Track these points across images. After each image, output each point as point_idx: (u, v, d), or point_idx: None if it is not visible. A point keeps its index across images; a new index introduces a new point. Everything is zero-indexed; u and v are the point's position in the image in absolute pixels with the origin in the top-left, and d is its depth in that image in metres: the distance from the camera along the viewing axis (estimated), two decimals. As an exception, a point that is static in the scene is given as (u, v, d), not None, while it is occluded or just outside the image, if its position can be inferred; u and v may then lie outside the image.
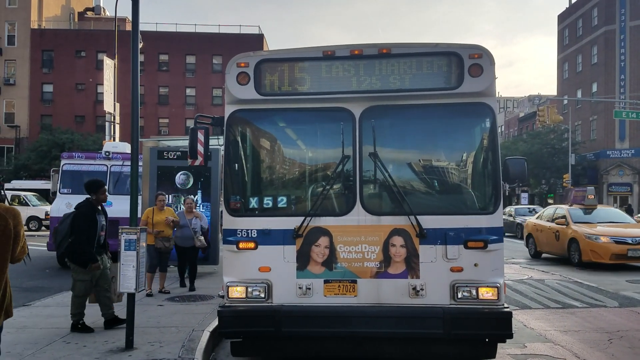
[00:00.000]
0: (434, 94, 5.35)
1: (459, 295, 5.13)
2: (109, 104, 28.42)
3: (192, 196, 10.80)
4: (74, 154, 14.98)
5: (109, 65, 27.59)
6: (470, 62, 5.24)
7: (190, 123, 52.77)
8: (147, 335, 6.39)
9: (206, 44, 52.72)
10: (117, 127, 29.80)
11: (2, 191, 19.75)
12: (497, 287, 5.13)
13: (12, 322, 7.33)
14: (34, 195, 28.00)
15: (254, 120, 5.75)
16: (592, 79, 49.38)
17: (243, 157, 5.78)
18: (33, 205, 26.97)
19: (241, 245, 5.35)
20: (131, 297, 5.95)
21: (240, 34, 54.22)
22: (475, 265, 5.15)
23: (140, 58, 43.05)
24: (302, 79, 5.54)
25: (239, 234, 5.37)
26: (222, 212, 6.68)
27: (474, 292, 5.13)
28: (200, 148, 5.74)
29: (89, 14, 60.42)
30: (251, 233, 5.35)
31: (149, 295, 8.94)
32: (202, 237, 9.83)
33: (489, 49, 5.31)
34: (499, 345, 5.79)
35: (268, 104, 5.54)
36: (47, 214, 26.54)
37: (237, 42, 52.98)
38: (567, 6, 55.73)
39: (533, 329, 7.58)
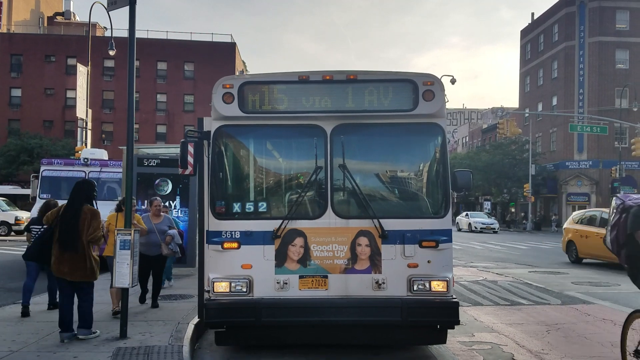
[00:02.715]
0: (393, 114, 6.21)
1: (415, 288, 5.97)
2: (81, 110, 28.68)
3: (159, 198, 9.37)
4: (53, 160, 15.45)
5: (82, 72, 27.87)
6: (424, 88, 6.13)
7: (160, 129, 52.89)
8: (137, 328, 7.05)
9: (178, 50, 53.00)
10: (89, 133, 30.07)
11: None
12: (446, 280, 6.00)
13: (10, 315, 7.92)
14: (3, 200, 27.89)
15: (237, 135, 6.50)
16: (552, 92, 51.51)
17: (227, 166, 6.50)
18: (2, 210, 26.86)
19: (225, 245, 6.07)
20: (125, 291, 6.62)
21: (213, 41, 54.67)
22: (429, 262, 6.01)
23: (111, 64, 43.21)
24: (280, 99, 6.33)
25: (223, 235, 6.09)
26: (198, 216, 7.14)
27: (427, 285, 5.98)
28: (190, 159, 6.49)
29: (59, 18, 59.99)
30: (235, 234, 6.09)
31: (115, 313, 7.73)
32: (174, 244, 8.72)
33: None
34: (451, 333, 6.68)
35: (250, 121, 6.29)
36: (17, 219, 26.49)
37: (209, 50, 53.46)
38: (530, 22, 58.03)
39: (482, 322, 8.51)
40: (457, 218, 46.34)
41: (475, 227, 41.78)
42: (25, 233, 8.76)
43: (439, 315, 6.01)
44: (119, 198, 8.99)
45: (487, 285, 12.37)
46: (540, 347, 7.02)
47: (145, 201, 12.87)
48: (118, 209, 8.14)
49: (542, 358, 6.55)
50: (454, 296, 6.08)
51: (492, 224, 42.40)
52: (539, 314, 9.18)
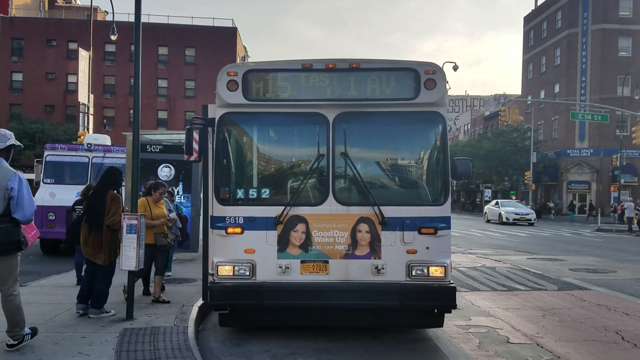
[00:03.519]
0: (395, 103, 6.32)
1: (413, 273, 6.13)
2: (84, 95, 28.73)
3: (165, 184, 8.76)
4: (57, 145, 15.53)
5: (83, 57, 27.86)
6: (425, 77, 6.23)
7: (162, 115, 52.89)
8: (143, 310, 7.23)
9: (179, 35, 52.82)
10: (91, 118, 30.15)
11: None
12: (444, 266, 6.16)
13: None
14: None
15: (241, 122, 6.62)
16: (555, 80, 51.41)
17: (231, 153, 6.61)
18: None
19: (229, 230, 6.22)
20: (131, 274, 6.79)
21: (214, 26, 54.45)
22: (427, 248, 6.16)
23: (112, 48, 43.19)
24: (284, 87, 6.44)
25: (227, 220, 6.24)
26: (202, 202, 7.28)
27: (425, 270, 6.14)
28: (195, 145, 6.62)
29: (60, 2, 59.76)
30: (238, 220, 6.24)
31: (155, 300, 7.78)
32: (175, 227, 8.54)
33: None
34: (448, 317, 6.86)
35: (254, 108, 6.41)
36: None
37: (210, 35, 53.27)
38: (533, 8, 57.73)
39: (479, 306, 8.70)
40: (485, 207, 41.49)
41: (507, 218, 35.22)
42: (72, 212, 9.44)
43: (437, 300, 6.17)
44: (148, 183, 8.55)
45: (485, 271, 12.56)
46: (536, 331, 7.21)
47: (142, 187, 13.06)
48: (146, 193, 7.97)
49: (537, 341, 6.73)
50: (452, 281, 6.24)
51: (527, 214, 35.64)
52: (535, 300, 9.36)
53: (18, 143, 5.46)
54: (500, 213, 36.30)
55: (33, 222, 5.53)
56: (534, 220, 35.65)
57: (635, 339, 6.86)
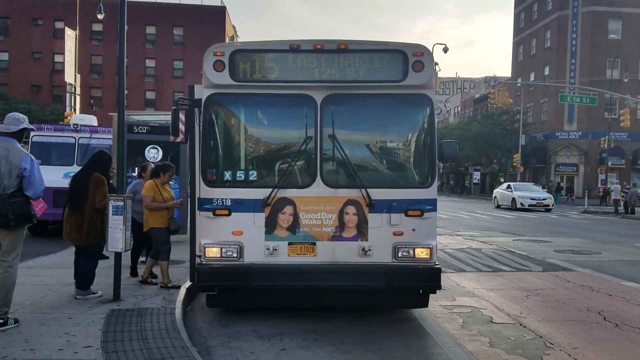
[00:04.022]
0: (383, 85, 6.31)
1: (399, 255, 6.19)
2: (70, 75, 28.41)
3: (152, 164, 8.74)
4: (43, 126, 15.34)
5: (70, 36, 27.52)
6: (413, 59, 6.21)
7: (149, 95, 52.43)
8: (130, 291, 7.25)
9: (167, 14, 52.15)
10: (78, 98, 29.84)
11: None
12: (430, 247, 6.21)
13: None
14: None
15: (228, 103, 6.57)
16: (544, 62, 51.47)
17: (218, 135, 6.59)
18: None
19: (217, 212, 6.22)
20: (118, 255, 6.78)
21: (202, 5, 53.77)
22: (413, 230, 6.21)
23: (99, 27, 42.59)
24: (271, 68, 6.38)
25: (215, 202, 6.24)
26: (189, 184, 7.24)
27: (411, 252, 6.20)
28: (182, 126, 6.58)
29: (45, -21, 58.47)
30: (226, 202, 6.24)
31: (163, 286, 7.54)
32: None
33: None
34: (433, 298, 6.97)
35: (241, 89, 6.36)
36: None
37: (199, 14, 52.63)
38: (524, -10, 57.49)
39: (464, 287, 8.82)
40: (495, 191, 37.40)
41: (522, 204, 31.41)
42: None
43: (422, 281, 6.24)
44: (153, 165, 8.36)
45: (471, 252, 12.70)
46: (519, 311, 7.32)
47: (135, 168, 13.01)
48: (154, 175, 7.77)
49: (520, 321, 6.84)
50: (437, 262, 6.31)
51: (544, 199, 31.85)
52: (519, 280, 9.50)
53: (31, 126, 5.89)
54: (513, 198, 32.49)
55: (50, 198, 5.99)
56: (552, 205, 32.06)
57: (616, 319, 6.99)
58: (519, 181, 49.06)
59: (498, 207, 34.10)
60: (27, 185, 5.51)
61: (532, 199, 31.60)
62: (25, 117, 5.84)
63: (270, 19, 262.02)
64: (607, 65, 44.95)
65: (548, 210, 30.95)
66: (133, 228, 7.81)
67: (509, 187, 34.79)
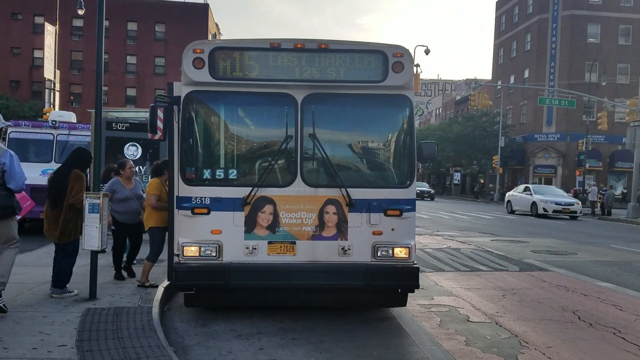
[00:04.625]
0: (363, 85, 6.33)
1: (379, 254, 6.22)
2: (49, 70, 28.02)
3: (130, 161, 8.71)
4: (20, 122, 15.09)
5: (50, 32, 27.13)
6: (393, 60, 6.25)
7: (130, 92, 51.87)
8: (107, 290, 7.18)
9: (149, 11, 51.62)
10: (57, 94, 29.40)
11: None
12: (409, 247, 6.26)
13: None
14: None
15: (207, 101, 6.52)
16: (524, 65, 52.03)
17: (197, 132, 6.52)
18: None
19: (195, 210, 6.17)
20: (94, 254, 6.71)
21: (185, 2, 53.35)
22: (392, 229, 6.24)
23: (79, 23, 42.14)
24: (252, 66, 6.36)
25: (193, 200, 6.19)
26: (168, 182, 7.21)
27: (390, 251, 6.24)
28: (160, 124, 6.53)
29: (24, -27, 57.47)
30: (205, 200, 6.20)
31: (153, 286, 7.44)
32: None
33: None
34: (412, 297, 7.02)
35: (221, 87, 6.32)
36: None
37: (181, 11, 52.20)
38: (506, -8, 58.10)
39: (442, 286, 8.90)
40: (508, 195, 32.35)
41: (546, 209, 27.06)
42: None
43: (401, 280, 6.29)
44: (157, 161, 8.25)
45: (450, 252, 12.82)
46: (495, 310, 7.42)
47: (115, 165, 12.87)
48: (157, 173, 7.67)
49: (496, 320, 6.93)
50: (415, 262, 6.35)
51: (571, 205, 27.40)
52: (496, 280, 9.62)
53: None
54: (534, 202, 27.96)
55: (27, 195, 6.55)
56: (580, 212, 27.74)
57: (590, 318, 7.11)
58: (498, 182, 49.83)
59: (512, 212, 29.80)
60: (8, 178, 5.92)
61: (557, 204, 27.26)
62: (0, 115, 6.21)
63: (254, 17, 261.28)
64: (585, 69, 45.65)
65: (574, 218, 27.21)
66: (116, 229, 7.93)
67: (527, 189, 30.22)
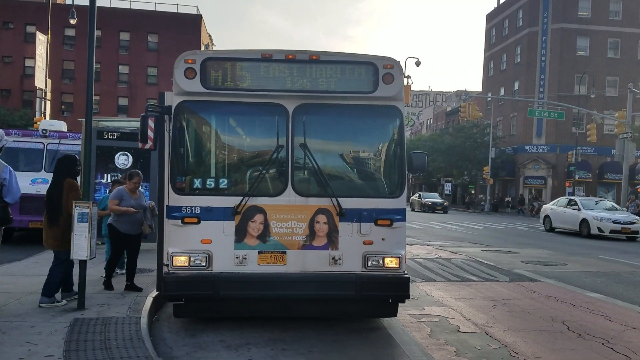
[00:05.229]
0: (354, 96, 6.37)
1: (369, 264, 6.22)
2: (41, 79, 27.93)
3: (140, 173, 8.40)
4: (10, 131, 14.98)
5: (41, 41, 27.08)
6: (384, 71, 6.30)
7: (122, 101, 51.72)
8: (95, 300, 7.12)
9: (141, 21, 51.65)
10: (49, 103, 29.29)
11: None
12: (399, 257, 6.27)
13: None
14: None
15: (199, 111, 6.53)
16: (514, 77, 52.55)
17: (188, 142, 6.52)
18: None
19: (185, 220, 6.13)
20: (83, 263, 6.66)
21: (178, 13, 53.45)
22: (383, 239, 6.25)
23: (72, 32, 42.18)
24: (243, 76, 6.39)
25: (183, 210, 6.17)
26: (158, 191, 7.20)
27: (380, 261, 6.24)
28: (150, 133, 6.53)
29: (16, -18, 57.39)
30: (195, 210, 6.18)
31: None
32: (150, 217, 8.28)
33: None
34: (402, 307, 7.00)
35: (212, 97, 6.34)
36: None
37: (174, 21, 52.27)
38: (496, 6, 58.76)
39: (433, 296, 8.90)
40: (545, 207, 26.76)
41: (601, 229, 21.75)
42: None
43: (391, 290, 6.29)
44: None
45: (441, 262, 12.84)
46: (486, 321, 7.43)
47: (105, 175, 12.81)
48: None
49: (486, 330, 6.94)
50: (406, 272, 6.36)
51: (632, 224, 21.89)
52: (487, 290, 9.64)
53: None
54: (584, 220, 22.48)
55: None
56: None
57: (580, 329, 7.14)
58: (489, 193, 50.02)
59: (551, 229, 24.67)
60: (6, 192, 6.40)
61: (614, 222, 21.73)
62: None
63: (247, 28, 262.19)
64: (575, 81, 46.12)
65: (632, 239, 21.69)
66: (116, 239, 7.95)
67: (572, 202, 24.43)
